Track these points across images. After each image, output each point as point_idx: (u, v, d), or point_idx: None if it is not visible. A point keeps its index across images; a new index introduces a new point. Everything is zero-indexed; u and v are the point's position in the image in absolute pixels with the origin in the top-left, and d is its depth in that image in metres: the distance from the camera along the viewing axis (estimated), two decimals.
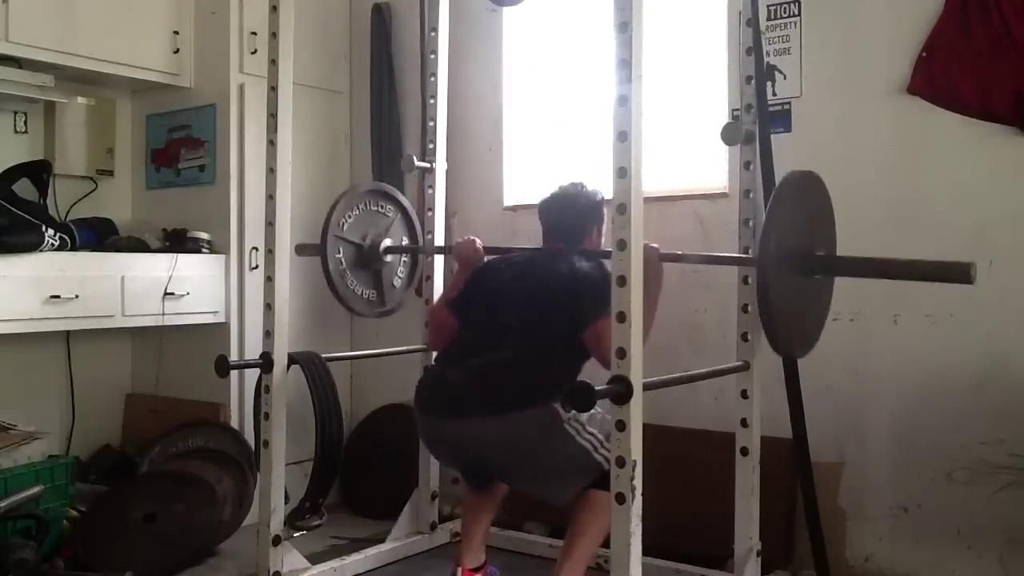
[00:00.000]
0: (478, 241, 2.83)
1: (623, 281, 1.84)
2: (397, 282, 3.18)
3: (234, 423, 3.45)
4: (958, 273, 2.02)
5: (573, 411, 2.26)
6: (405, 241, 3.20)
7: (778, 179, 2.58)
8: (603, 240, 2.66)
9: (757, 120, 2.54)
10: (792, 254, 2.13)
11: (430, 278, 3.20)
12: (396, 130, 3.85)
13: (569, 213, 2.64)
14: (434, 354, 2.96)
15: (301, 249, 2.97)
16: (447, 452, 2.58)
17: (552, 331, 2.38)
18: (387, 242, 3.09)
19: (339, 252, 2.96)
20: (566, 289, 2.41)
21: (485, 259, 2.80)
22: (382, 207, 3.13)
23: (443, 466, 3.08)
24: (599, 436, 2.33)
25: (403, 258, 3.20)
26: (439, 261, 3.22)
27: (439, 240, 3.23)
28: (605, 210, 2.62)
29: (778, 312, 2.07)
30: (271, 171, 2.65)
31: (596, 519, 2.33)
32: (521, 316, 2.44)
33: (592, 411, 2.25)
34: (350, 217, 3.01)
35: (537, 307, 2.44)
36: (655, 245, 2.37)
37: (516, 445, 2.32)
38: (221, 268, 3.47)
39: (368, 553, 2.97)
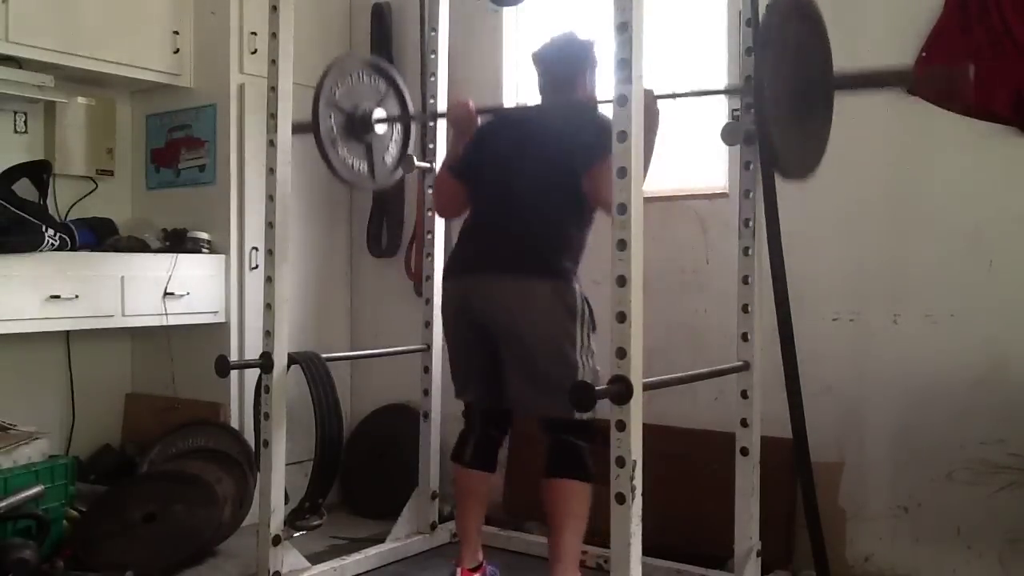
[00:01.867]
0: (471, 103, 2.80)
1: (623, 281, 1.84)
2: (388, 158, 3.11)
3: (234, 423, 3.45)
4: (957, 77, 2.00)
5: (589, 324, 2.40)
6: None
7: (778, 180, 2.59)
8: (596, 84, 2.64)
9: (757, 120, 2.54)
10: (787, 74, 2.11)
11: (431, 255, 3.19)
12: None
13: (561, 59, 2.63)
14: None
15: (295, 127, 2.90)
16: (465, 317, 2.55)
17: (559, 189, 2.43)
18: (379, 112, 3.02)
19: (331, 118, 2.88)
20: (565, 144, 2.44)
21: (479, 121, 2.78)
22: (374, 80, 3.07)
23: (454, 352, 2.75)
24: (594, 367, 2.41)
25: (394, 135, 3.13)
26: (438, 307, 3.11)
27: (438, 288, 3.13)
28: (597, 53, 2.63)
29: (779, 134, 2.06)
30: (271, 171, 2.65)
31: (571, 510, 2.36)
32: (528, 179, 2.48)
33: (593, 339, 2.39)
34: (341, 85, 2.94)
35: (541, 168, 2.47)
36: (649, 87, 2.36)
37: (531, 311, 2.40)
38: (221, 268, 3.47)
39: (368, 553, 2.97)
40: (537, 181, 2.47)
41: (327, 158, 2.86)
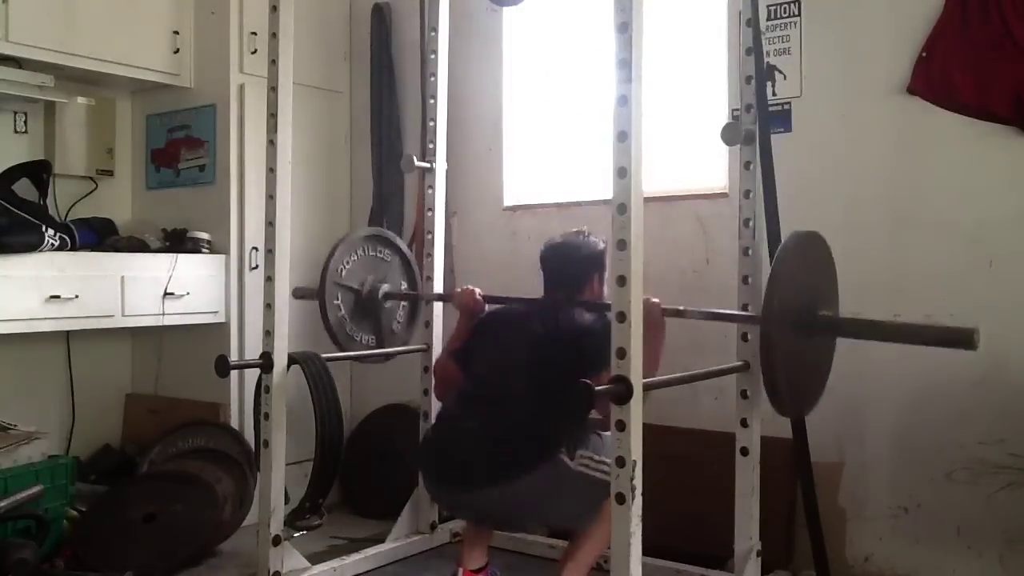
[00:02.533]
0: (477, 291, 2.82)
1: (623, 281, 1.84)
2: (396, 327, 3.19)
3: (234, 423, 3.45)
4: (963, 339, 2.01)
5: (579, 451, 2.31)
6: (404, 286, 3.20)
7: (778, 180, 2.60)
8: (605, 289, 2.61)
9: (757, 120, 2.54)
10: (795, 314, 2.14)
11: (429, 323, 3.20)
12: (396, 130, 3.85)
13: (570, 261, 2.61)
14: (433, 406, 3.04)
15: (299, 292, 2.98)
16: (459, 515, 2.58)
17: (555, 386, 2.30)
18: (385, 287, 3.10)
19: (338, 299, 2.98)
20: (568, 343, 2.41)
21: (486, 308, 2.80)
22: (380, 252, 3.15)
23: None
24: (609, 460, 2.33)
25: (402, 305, 3.21)
26: (438, 308, 3.21)
27: (438, 287, 3.21)
28: (607, 259, 2.57)
29: (782, 373, 2.08)
30: (271, 171, 2.65)
31: (602, 524, 2.33)
32: (524, 372, 2.43)
33: (603, 440, 2.31)
34: (348, 263, 3.03)
35: (539, 362, 2.43)
36: (656, 300, 2.35)
37: (531, 504, 2.33)
38: (221, 268, 3.47)
39: (368, 553, 2.97)
40: (531, 369, 2.42)
41: (337, 341, 2.97)
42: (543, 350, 2.46)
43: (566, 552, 2.43)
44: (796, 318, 2.14)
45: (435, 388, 2.95)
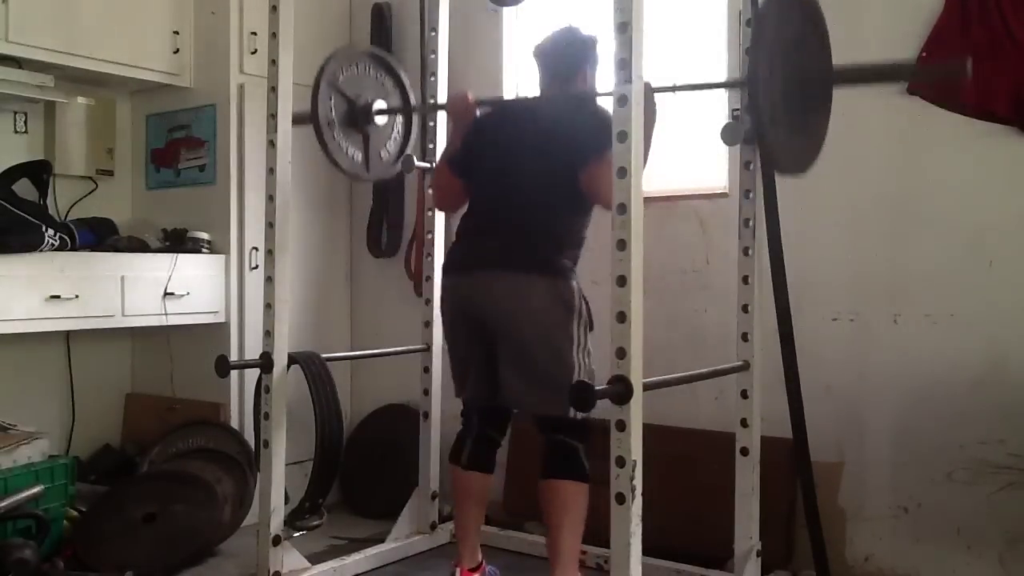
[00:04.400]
0: (470, 94, 2.79)
1: (623, 281, 1.84)
2: (384, 154, 3.08)
3: (234, 423, 3.44)
4: (953, 70, 1.99)
5: (587, 323, 2.39)
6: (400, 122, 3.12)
7: (778, 180, 2.59)
8: (595, 77, 2.63)
9: None
10: (784, 68, 2.09)
11: (431, 255, 3.20)
12: None
13: (562, 50, 2.62)
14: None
15: (296, 117, 2.82)
16: (464, 313, 2.54)
17: (558, 183, 2.42)
18: (380, 103, 3.00)
19: (331, 101, 2.85)
20: (564, 138, 2.44)
21: (478, 112, 2.77)
22: (378, 74, 3.05)
23: (454, 349, 2.70)
24: (591, 367, 2.40)
25: (394, 132, 3.11)
26: (438, 308, 3.09)
27: (438, 285, 3.10)
28: (598, 50, 2.61)
29: (773, 130, 2.04)
30: (271, 171, 2.65)
31: (568, 510, 2.36)
32: (526, 173, 2.47)
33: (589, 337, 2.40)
34: (345, 72, 2.92)
35: (541, 162, 2.46)
36: (646, 80, 2.31)
37: (529, 306, 2.39)
38: (221, 268, 3.47)
39: (368, 553, 2.97)
40: (535, 175, 2.46)
41: (323, 142, 2.83)
42: (543, 148, 2.47)
43: (550, 554, 2.43)
44: (785, 74, 2.09)
45: (435, 198, 2.97)
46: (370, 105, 2.95)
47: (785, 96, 2.09)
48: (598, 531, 2.24)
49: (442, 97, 3.24)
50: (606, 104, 2.48)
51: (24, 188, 3.28)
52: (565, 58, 2.60)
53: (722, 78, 3.04)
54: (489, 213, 2.56)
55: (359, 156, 2.97)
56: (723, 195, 3.06)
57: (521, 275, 2.42)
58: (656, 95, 2.41)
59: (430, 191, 3.21)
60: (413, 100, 3.14)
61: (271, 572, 2.61)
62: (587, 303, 2.46)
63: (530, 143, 2.51)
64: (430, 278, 3.20)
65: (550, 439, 2.47)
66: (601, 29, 2.59)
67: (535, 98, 2.69)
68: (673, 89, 2.48)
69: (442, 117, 3.24)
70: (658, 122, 2.43)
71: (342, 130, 2.88)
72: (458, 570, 2.59)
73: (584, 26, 2.65)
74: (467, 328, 2.56)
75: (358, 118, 2.93)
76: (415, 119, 3.15)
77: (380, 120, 3.00)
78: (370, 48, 3.17)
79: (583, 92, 2.58)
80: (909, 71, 2.23)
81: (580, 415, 2.34)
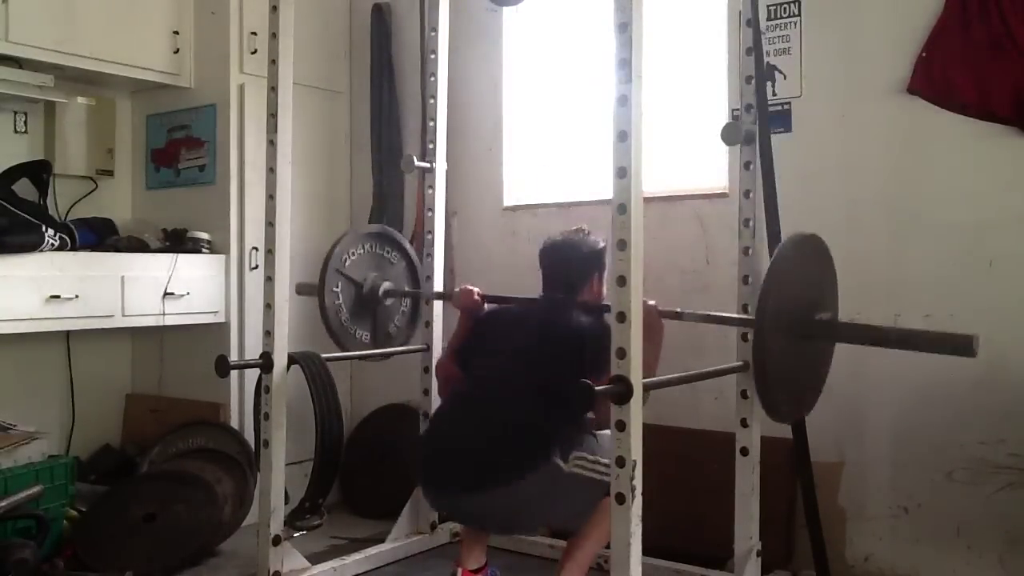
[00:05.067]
0: (476, 290, 2.82)
1: (623, 281, 1.84)
2: (393, 328, 3.19)
3: (234, 423, 3.44)
4: (961, 346, 2.00)
5: (573, 452, 2.29)
6: (407, 288, 3.21)
7: (778, 180, 2.60)
8: (604, 289, 2.61)
9: (757, 120, 2.54)
10: (790, 318, 2.12)
11: (429, 324, 3.20)
12: (396, 130, 3.85)
13: (569, 260, 2.61)
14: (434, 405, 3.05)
15: (301, 288, 2.97)
16: (456, 519, 2.57)
17: (552, 387, 2.32)
18: (387, 284, 3.09)
19: (338, 287, 2.98)
20: (567, 346, 2.40)
21: (486, 307, 2.80)
22: (385, 251, 3.16)
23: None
24: (605, 460, 2.31)
25: (403, 306, 3.21)
26: (438, 308, 3.20)
27: (438, 287, 3.21)
28: (607, 258, 2.57)
29: (775, 378, 2.07)
30: (271, 171, 2.65)
31: (600, 523, 2.33)
32: (520, 372, 2.43)
33: (597, 440, 2.30)
34: (353, 255, 3.03)
35: (536, 362, 2.42)
36: (652, 302, 2.31)
37: (526, 508, 2.33)
38: (221, 268, 3.47)
39: (368, 553, 2.97)
40: (530, 370, 2.40)
41: (330, 329, 2.98)
42: (540, 351, 2.45)
43: (565, 552, 2.43)
44: (791, 322, 2.13)
45: (439, 389, 2.96)
46: (377, 287, 3.06)
47: (789, 338, 2.12)
48: None
49: (442, 97, 3.24)
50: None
51: (24, 188, 3.29)
52: (572, 268, 2.60)
53: (722, 78, 3.04)
54: (473, 401, 2.50)
55: (367, 337, 3.08)
56: (723, 195, 3.05)
57: (507, 486, 2.27)
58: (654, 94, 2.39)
59: (430, 192, 3.22)
60: (421, 278, 3.23)
61: (271, 572, 2.61)
62: (587, 448, 2.35)
63: (530, 345, 2.47)
64: (430, 278, 3.20)
65: None
66: (600, 29, 2.60)
67: (539, 301, 2.65)
68: (679, 317, 2.43)
69: (442, 117, 3.24)
70: (663, 341, 2.41)
71: (350, 313, 3.01)
72: (460, 570, 2.59)
73: (591, 236, 2.62)
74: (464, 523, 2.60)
75: (367, 301, 3.05)
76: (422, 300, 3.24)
77: (389, 300, 3.11)
78: (371, 228, 3.30)
79: (590, 302, 2.56)
80: (916, 341, 2.22)
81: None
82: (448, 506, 2.56)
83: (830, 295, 2.32)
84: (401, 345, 3.19)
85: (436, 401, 3.16)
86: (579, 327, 2.45)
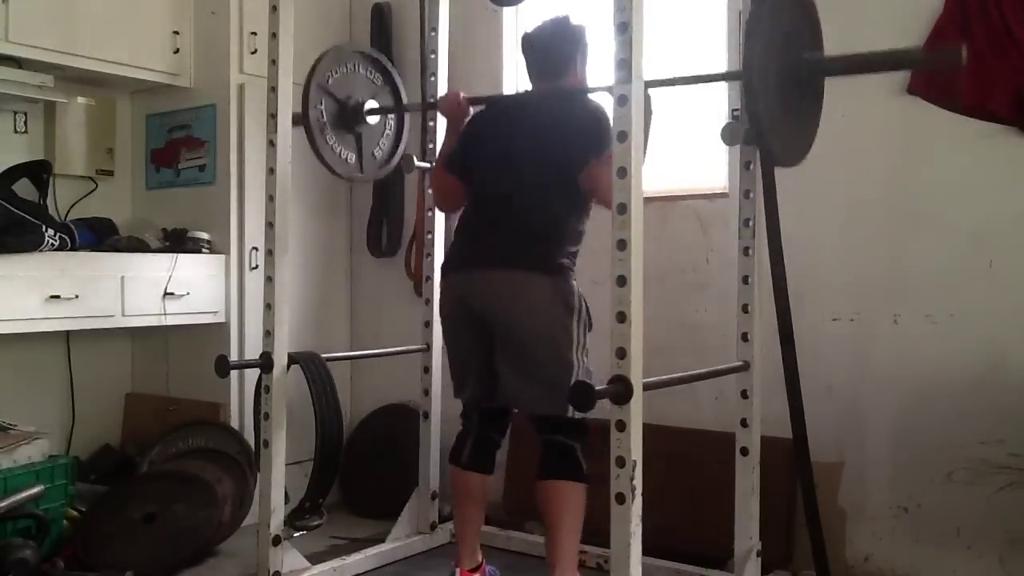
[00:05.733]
0: (462, 93, 2.79)
1: (623, 281, 1.84)
2: (378, 152, 3.10)
3: (234, 423, 3.44)
4: (949, 57, 1.99)
5: (586, 322, 2.39)
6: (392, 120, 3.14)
7: (778, 180, 2.59)
8: (587, 70, 2.63)
9: None
10: (778, 60, 2.08)
11: (431, 255, 3.19)
12: None
13: (551, 44, 2.60)
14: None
15: (295, 118, 2.82)
16: (463, 312, 2.53)
17: (556, 181, 2.42)
18: (371, 103, 3.01)
19: (321, 104, 2.86)
20: (561, 136, 2.44)
21: (471, 111, 2.77)
22: (370, 73, 3.06)
23: (453, 348, 2.69)
24: (588, 367, 2.40)
25: (386, 129, 3.12)
26: (438, 308, 3.12)
27: (437, 280, 3.09)
28: (588, 40, 2.61)
29: (768, 120, 2.04)
30: (271, 171, 2.65)
31: (566, 510, 2.36)
32: (524, 171, 2.47)
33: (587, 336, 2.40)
34: (336, 73, 2.92)
35: (537, 160, 2.46)
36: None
37: (528, 305, 2.39)
38: (221, 268, 3.47)
39: (368, 553, 2.97)
40: (533, 174, 2.46)
41: (315, 146, 2.84)
42: (541, 142, 2.47)
43: (549, 554, 2.43)
44: (779, 66, 2.08)
45: (434, 200, 2.98)
46: (361, 105, 2.95)
47: (779, 86, 2.09)
48: (598, 531, 2.24)
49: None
50: (600, 100, 2.48)
51: (24, 188, 3.28)
52: (554, 51, 2.59)
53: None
54: (487, 212, 2.56)
55: (352, 157, 2.98)
56: (723, 195, 3.05)
57: (520, 272, 2.41)
58: (654, 93, 2.39)
59: (430, 192, 3.22)
60: (404, 97, 3.14)
61: (271, 572, 2.61)
62: (586, 303, 2.46)
63: (526, 141, 2.50)
64: (430, 278, 3.20)
65: (547, 439, 2.46)
66: (597, 25, 2.60)
67: (528, 94, 2.69)
68: (671, 83, 2.46)
69: (441, 118, 3.23)
70: (655, 118, 2.42)
71: (334, 132, 2.89)
72: (458, 570, 2.59)
73: (572, 16, 2.64)
74: (466, 326, 2.55)
75: (349, 119, 2.94)
76: (407, 117, 3.16)
77: (372, 120, 3.00)
78: (359, 47, 3.17)
79: (576, 87, 2.58)
80: (903, 59, 2.21)
81: (578, 415, 2.34)
82: (465, 282, 2.53)
83: (814, 33, 2.25)
84: (384, 169, 3.13)
85: (436, 401, 3.17)
86: (571, 114, 2.47)
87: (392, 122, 3.14)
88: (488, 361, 2.51)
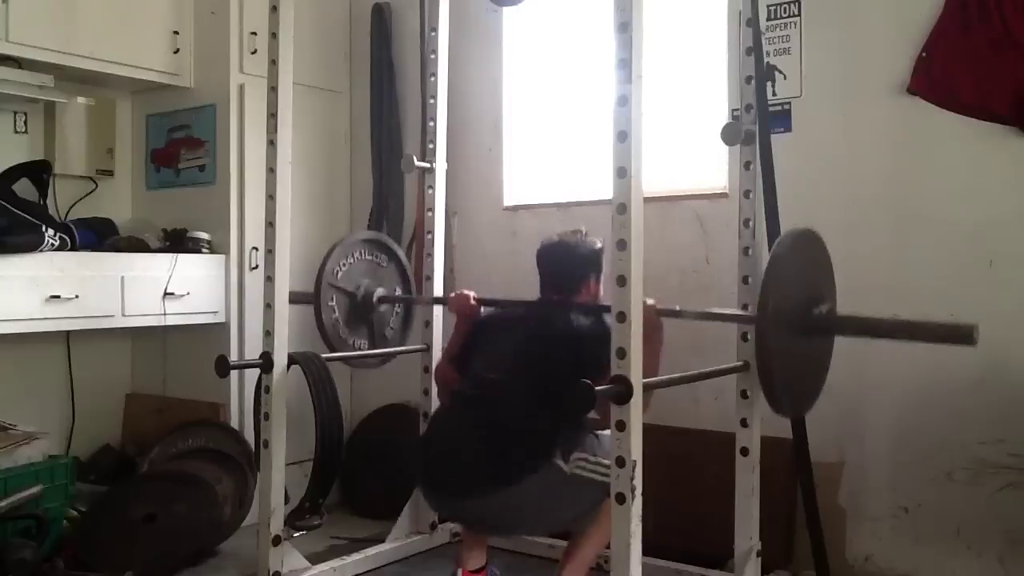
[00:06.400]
0: (472, 295, 2.82)
1: (623, 281, 1.84)
2: (389, 332, 3.19)
3: (234, 423, 3.44)
4: (962, 335, 2.00)
5: (574, 453, 2.29)
6: (398, 292, 3.21)
7: (778, 180, 2.60)
8: (602, 290, 2.62)
9: (757, 120, 2.54)
10: (791, 314, 2.12)
11: (429, 323, 3.20)
12: (396, 130, 3.85)
13: (567, 262, 2.61)
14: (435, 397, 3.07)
15: (294, 297, 2.95)
16: (456, 521, 2.57)
17: (551, 388, 2.28)
18: (380, 291, 3.11)
19: (332, 301, 2.98)
20: (566, 347, 2.40)
21: (483, 310, 2.80)
22: (377, 257, 3.17)
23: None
24: (606, 460, 2.30)
25: (396, 309, 3.22)
26: (438, 307, 3.20)
27: (438, 286, 3.21)
28: (605, 260, 2.57)
29: (778, 373, 2.07)
30: (271, 171, 2.65)
31: (601, 524, 2.33)
32: (520, 374, 2.42)
33: (599, 440, 2.30)
34: (344, 266, 3.04)
35: (535, 364, 2.42)
36: (651, 301, 2.27)
37: (527, 510, 2.32)
38: (221, 268, 3.47)
39: (368, 553, 2.97)
40: (529, 372, 2.40)
41: (329, 342, 2.98)
42: (539, 352, 2.45)
43: (565, 552, 2.43)
44: (792, 318, 2.13)
45: (438, 394, 2.97)
46: (371, 295, 3.07)
47: (791, 331, 2.13)
48: None
49: (442, 97, 3.24)
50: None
51: (24, 188, 3.28)
52: (570, 269, 2.60)
53: (722, 78, 3.04)
54: (471, 402, 2.49)
55: (364, 345, 3.09)
56: (723, 195, 3.05)
57: (508, 488, 2.26)
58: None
59: (430, 192, 3.23)
60: (413, 287, 3.25)
61: (271, 572, 2.61)
62: (587, 444, 2.35)
63: (529, 348, 2.48)
64: (430, 278, 3.20)
65: None
66: (600, 30, 2.60)
67: (537, 304, 2.65)
68: (678, 315, 2.42)
69: (442, 117, 3.24)
70: (663, 342, 2.41)
71: (346, 324, 3.02)
72: (460, 571, 2.59)
73: (588, 236, 2.62)
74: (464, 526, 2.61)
75: (361, 310, 3.06)
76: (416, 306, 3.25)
77: (383, 307, 3.12)
78: (364, 234, 3.31)
79: (588, 303, 2.56)
80: (914, 330, 2.23)
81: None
82: (449, 509, 2.57)
83: (828, 288, 2.32)
84: (395, 345, 3.19)
85: (436, 402, 3.16)
86: (578, 328, 2.45)
87: (401, 305, 3.24)
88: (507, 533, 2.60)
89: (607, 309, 1.95)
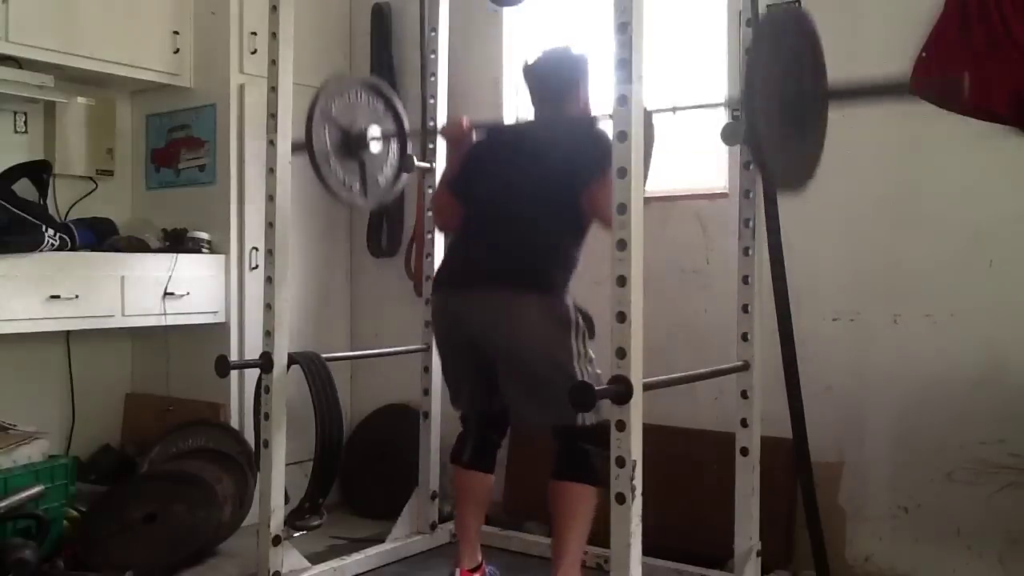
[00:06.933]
0: (466, 119, 2.80)
1: (623, 281, 1.84)
2: (382, 178, 3.09)
3: (234, 423, 3.45)
4: (952, 85, 1.99)
5: (584, 333, 2.38)
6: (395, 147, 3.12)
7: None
8: (590, 96, 2.63)
9: None
10: (780, 95, 2.08)
11: (431, 255, 3.19)
12: None
13: (554, 70, 2.61)
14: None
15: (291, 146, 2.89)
16: (456, 332, 2.54)
17: (555, 205, 2.41)
18: (374, 129, 3.00)
19: (324, 132, 2.85)
20: (562, 160, 2.43)
21: (475, 136, 2.78)
22: (372, 101, 3.06)
23: (447, 364, 2.73)
24: (596, 373, 2.40)
25: (389, 156, 3.11)
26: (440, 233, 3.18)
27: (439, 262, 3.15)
28: (590, 68, 2.61)
29: (769, 148, 2.04)
30: (271, 171, 2.65)
31: (576, 511, 2.36)
32: (523, 195, 2.46)
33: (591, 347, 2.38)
34: (337, 101, 2.92)
35: (537, 183, 2.46)
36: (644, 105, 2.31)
37: (523, 325, 2.37)
38: (221, 268, 3.47)
39: (368, 553, 2.97)
40: (532, 197, 2.46)
41: (321, 175, 2.84)
42: (540, 166, 2.47)
43: (554, 552, 2.44)
44: (781, 98, 2.08)
45: (435, 220, 3.00)
46: (364, 132, 2.96)
47: (781, 115, 2.09)
48: (598, 531, 2.24)
49: (442, 97, 3.24)
50: (602, 123, 2.49)
51: (24, 188, 3.28)
52: (556, 80, 2.60)
53: (722, 78, 3.04)
54: (481, 232, 2.55)
55: (356, 185, 2.99)
56: (723, 195, 3.06)
57: (511, 294, 2.40)
58: (656, 114, 2.40)
59: (430, 192, 3.23)
60: (406, 123, 3.14)
61: (271, 572, 2.61)
62: (584, 313, 2.44)
63: (526, 166, 2.50)
64: (430, 278, 3.19)
65: (564, 443, 2.46)
66: (600, 30, 2.60)
67: (531, 122, 2.69)
68: (673, 110, 2.45)
69: (442, 117, 3.24)
70: (656, 143, 2.43)
71: (338, 160, 2.90)
72: (458, 570, 2.59)
73: (574, 44, 2.64)
74: (459, 345, 2.56)
75: (352, 146, 2.95)
76: (410, 143, 3.16)
77: (375, 147, 3.01)
78: (361, 76, 3.20)
79: (579, 115, 2.58)
80: (904, 88, 2.22)
81: (589, 421, 2.35)
82: (457, 304, 2.52)
83: (816, 63, 2.25)
84: (388, 195, 3.13)
85: (436, 401, 3.17)
86: (573, 138, 2.47)
87: (395, 148, 3.15)
88: (483, 376, 2.52)
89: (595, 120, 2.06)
